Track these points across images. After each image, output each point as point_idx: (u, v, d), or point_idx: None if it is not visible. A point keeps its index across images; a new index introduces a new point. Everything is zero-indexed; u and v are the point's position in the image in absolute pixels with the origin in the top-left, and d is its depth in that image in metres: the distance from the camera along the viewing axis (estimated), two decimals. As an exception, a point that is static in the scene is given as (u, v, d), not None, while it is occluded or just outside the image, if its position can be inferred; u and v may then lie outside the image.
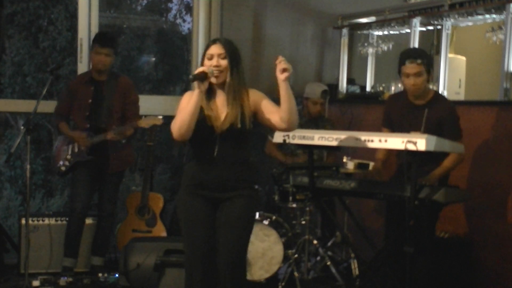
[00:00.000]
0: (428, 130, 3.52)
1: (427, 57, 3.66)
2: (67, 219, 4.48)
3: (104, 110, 4.35)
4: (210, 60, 2.90)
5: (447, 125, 3.61)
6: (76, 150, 4.34)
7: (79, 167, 4.36)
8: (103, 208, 4.48)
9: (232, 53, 2.92)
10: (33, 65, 8.08)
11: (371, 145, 3.33)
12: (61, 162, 4.36)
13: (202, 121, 2.88)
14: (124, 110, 4.42)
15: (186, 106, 2.86)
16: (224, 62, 2.89)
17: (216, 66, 2.88)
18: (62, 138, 4.44)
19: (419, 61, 3.59)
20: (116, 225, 4.73)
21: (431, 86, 4.61)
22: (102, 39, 4.38)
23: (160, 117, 4.43)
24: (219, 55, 2.89)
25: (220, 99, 2.95)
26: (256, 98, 2.96)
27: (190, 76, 2.82)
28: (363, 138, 3.34)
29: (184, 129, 2.84)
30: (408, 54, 3.67)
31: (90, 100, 4.36)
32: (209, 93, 2.93)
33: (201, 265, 2.91)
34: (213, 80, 2.89)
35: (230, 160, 2.92)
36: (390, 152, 3.95)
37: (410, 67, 3.61)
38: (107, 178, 4.45)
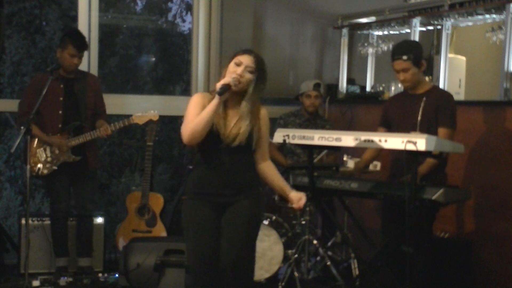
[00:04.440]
0: (425, 117, 3.55)
1: (413, 50, 3.69)
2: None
3: (79, 108, 4.30)
4: (238, 66, 2.85)
5: (442, 112, 3.62)
6: (57, 151, 4.26)
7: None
8: (85, 208, 4.43)
9: (261, 70, 2.89)
10: (32, 65, 8.06)
11: (371, 145, 3.33)
12: (40, 165, 4.24)
13: (211, 128, 2.84)
14: (95, 106, 4.40)
15: (195, 110, 2.83)
16: (249, 76, 2.85)
17: (240, 76, 2.83)
18: (28, 139, 4.01)
19: (404, 57, 3.65)
20: (116, 225, 4.73)
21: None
22: (81, 43, 4.28)
23: (155, 112, 4.40)
24: (247, 67, 2.85)
25: (233, 108, 2.92)
26: (262, 121, 2.97)
27: (218, 90, 2.77)
28: (363, 138, 3.33)
29: (197, 136, 2.81)
30: (394, 51, 3.74)
31: (61, 98, 4.28)
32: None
33: (206, 270, 2.89)
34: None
35: (236, 166, 2.90)
36: (377, 154, 3.98)
37: (397, 64, 3.68)
38: (85, 177, 4.40)
